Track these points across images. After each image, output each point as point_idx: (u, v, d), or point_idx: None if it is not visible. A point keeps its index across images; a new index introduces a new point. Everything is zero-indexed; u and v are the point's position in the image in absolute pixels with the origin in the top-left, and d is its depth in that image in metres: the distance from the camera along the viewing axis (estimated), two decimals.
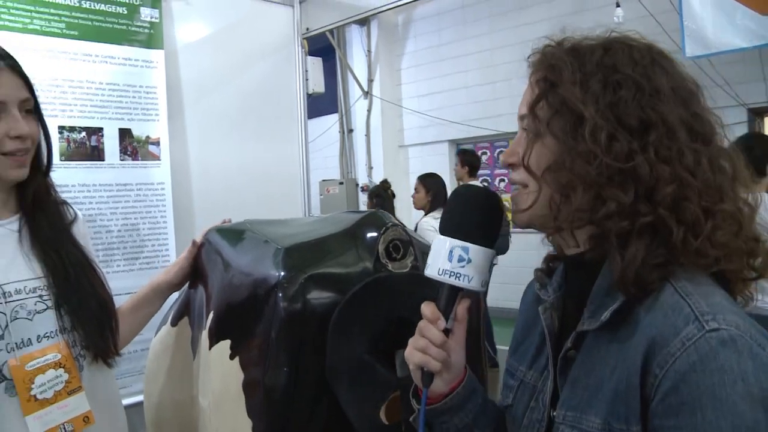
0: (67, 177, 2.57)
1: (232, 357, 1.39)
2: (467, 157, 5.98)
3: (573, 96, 0.85)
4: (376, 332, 1.34)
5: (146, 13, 2.87)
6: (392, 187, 6.01)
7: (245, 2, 3.30)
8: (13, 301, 1.28)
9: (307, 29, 3.58)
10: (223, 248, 1.61)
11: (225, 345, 1.42)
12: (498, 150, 8.08)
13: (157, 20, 2.91)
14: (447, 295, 0.96)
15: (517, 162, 0.93)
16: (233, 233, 1.64)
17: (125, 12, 2.81)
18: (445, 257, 0.93)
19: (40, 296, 1.32)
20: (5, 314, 1.26)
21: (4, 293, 1.27)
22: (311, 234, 1.49)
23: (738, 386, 0.71)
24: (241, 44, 3.26)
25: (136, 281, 2.54)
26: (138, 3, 2.85)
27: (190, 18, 3.08)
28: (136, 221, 2.79)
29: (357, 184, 8.77)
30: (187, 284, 1.68)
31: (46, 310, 1.33)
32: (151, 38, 2.89)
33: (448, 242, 0.94)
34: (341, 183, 8.60)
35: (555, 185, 0.87)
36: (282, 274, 1.33)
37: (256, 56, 3.36)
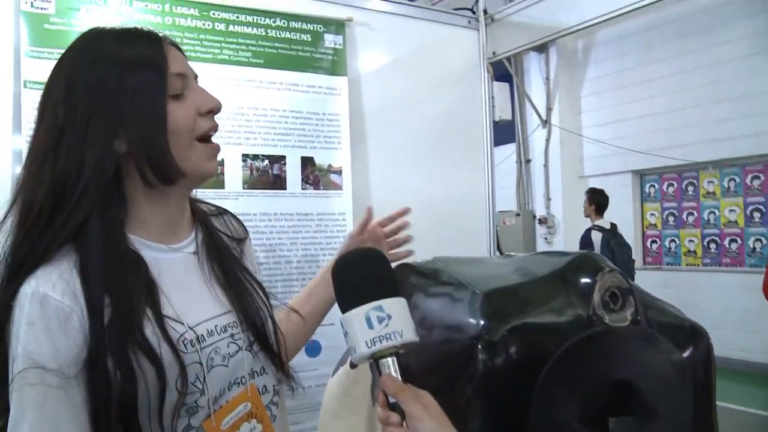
0: (249, 205, 2.55)
1: None
2: (596, 196, 6.07)
3: None
4: (588, 396, 1.14)
5: (330, 40, 2.83)
6: (571, 221, 5.76)
7: (429, 27, 3.18)
8: (207, 346, 1.00)
9: (494, 53, 3.41)
10: (411, 289, 1.45)
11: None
12: (686, 181, 7.47)
13: (341, 47, 2.86)
14: (392, 366, 0.88)
15: None
16: (425, 272, 1.49)
17: (309, 39, 2.78)
18: (365, 327, 0.86)
19: (232, 336, 1.04)
20: (202, 364, 0.98)
21: (198, 338, 0.98)
22: (512, 276, 1.29)
23: None
24: (424, 70, 3.14)
25: None
26: (322, 30, 2.82)
27: (373, 44, 3.01)
28: (315, 252, 2.71)
29: (534, 216, 8.48)
30: None
31: (238, 351, 1.04)
32: (335, 65, 2.84)
33: (359, 311, 0.87)
34: (518, 214, 8.36)
35: None
36: (482, 323, 1.14)
37: (441, 82, 3.22)
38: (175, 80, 0.98)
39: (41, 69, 2.25)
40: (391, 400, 0.87)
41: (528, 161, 8.90)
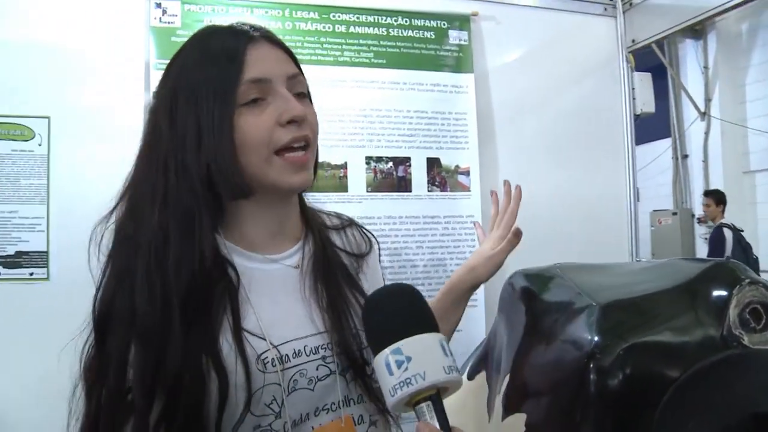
0: (373, 208, 2.53)
1: None
2: (720, 197, 6.29)
3: None
4: (721, 429, 0.96)
5: (455, 36, 2.75)
6: (734, 219, 5.54)
7: (560, 16, 3.02)
8: (292, 367, 0.92)
9: (633, 41, 3.17)
10: (527, 297, 1.34)
11: (519, 420, 1.14)
12: None
13: (466, 43, 2.77)
14: (427, 412, 0.77)
15: None
16: (541, 279, 1.37)
17: (433, 37, 2.72)
18: (387, 375, 0.77)
19: (323, 358, 0.96)
20: (280, 385, 0.90)
21: (281, 357, 0.91)
22: (636, 287, 1.14)
23: None
24: (556, 62, 2.99)
25: None
26: (446, 26, 2.74)
27: (500, 38, 2.90)
28: (443, 256, 2.64)
29: (693, 215, 7.92)
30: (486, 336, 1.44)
31: (329, 375, 0.96)
32: (460, 62, 2.76)
33: (379, 358, 0.79)
34: (674, 213, 7.85)
35: None
36: (596, 339, 1.01)
37: (575, 75, 3.05)
38: (251, 87, 0.91)
39: None
40: None
41: (685, 156, 8.32)
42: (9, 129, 2.28)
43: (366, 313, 0.88)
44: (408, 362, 0.76)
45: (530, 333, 1.22)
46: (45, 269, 2.30)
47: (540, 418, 1.09)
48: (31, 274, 2.29)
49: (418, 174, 2.66)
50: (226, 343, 0.87)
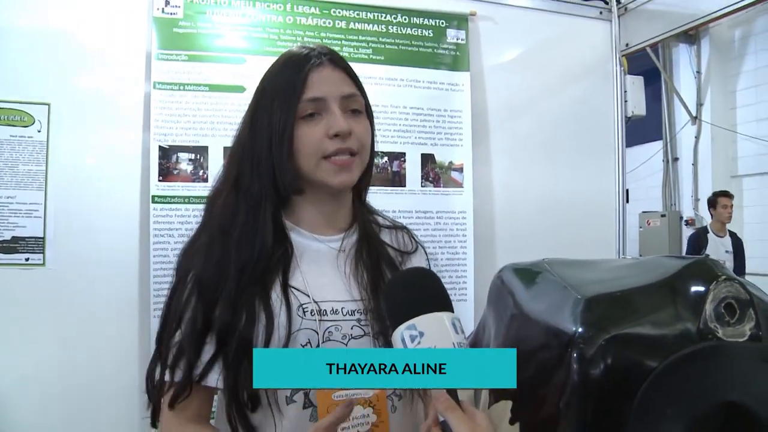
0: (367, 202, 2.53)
1: (512, 422, 1.15)
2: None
3: None
4: (694, 417, 1.00)
5: (452, 35, 2.78)
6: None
7: (557, 19, 3.05)
8: (328, 320, 1.13)
9: (627, 45, 3.21)
10: (515, 290, 1.37)
11: (505, 406, 1.18)
12: None
13: (464, 42, 2.80)
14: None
15: None
16: (529, 273, 1.40)
17: (431, 35, 2.75)
18: (402, 348, 0.84)
19: (358, 320, 1.15)
20: (317, 333, 1.11)
21: (319, 311, 1.12)
22: (619, 282, 1.18)
23: None
24: (551, 63, 3.02)
25: None
26: (444, 25, 2.77)
27: (497, 38, 2.93)
28: (434, 250, 2.68)
29: (681, 217, 7.97)
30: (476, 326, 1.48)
31: (363, 336, 1.15)
32: (457, 60, 2.79)
33: (396, 333, 0.86)
34: (663, 216, 7.88)
35: None
36: (580, 330, 1.05)
37: (569, 76, 3.09)
38: (308, 104, 1.10)
39: (169, 71, 2.37)
40: (441, 418, 0.83)
41: (675, 159, 8.35)
42: (9, 114, 2.30)
43: (387, 292, 0.97)
44: (420, 337, 0.83)
45: (517, 325, 1.26)
46: (41, 255, 2.31)
47: (526, 402, 1.13)
48: (27, 259, 2.31)
49: (413, 169, 2.70)
50: (275, 294, 1.09)
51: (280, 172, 1.12)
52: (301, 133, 1.11)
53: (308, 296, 1.12)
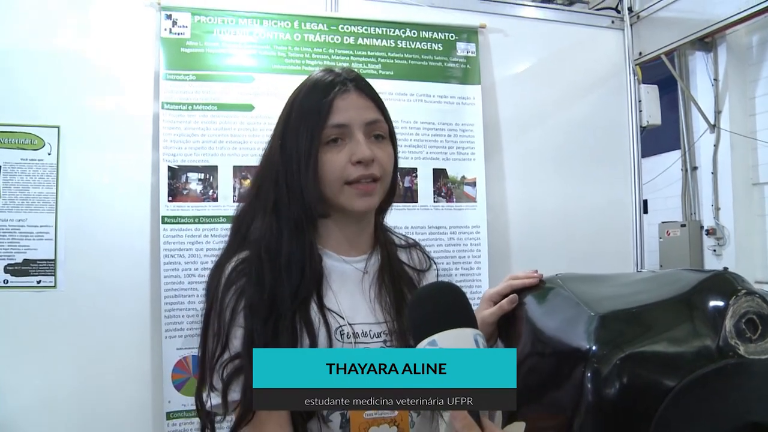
0: None
1: None
2: None
3: None
4: None
5: (462, 48, 2.76)
6: (742, 231, 5.31)
7: (568, 29, 3.02)
8: (361, 342, 1.17)
9: (640, 54, 3.17)
10: (529, 306, 1.34)
11: (519, 428, 1.14)
12: None
13: (474, 55, 2.78)
14: None
15: None
16: (542, 289, 1.37)
17: (441, 48, 2.73)
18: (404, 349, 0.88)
19: (384, 342, 1.19)
20: None
21: (354, 333, 1.16)
22: (635, 298, 1.14)
23: None
24: (564, 75, 2.99)
25: None
26: (454, 38, 2.76)
27: (508, 50, 2.90)
28: (448, 266, 2.65)
29: (701, 227, 7.86)
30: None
31: None
32: (467, 73, 2.76)
33: (418, 348, 0.85)
34: (683, 225, 7.78)
35: None
36: (594, 348, 1.01)
37: (582, 87, 3.05)
38: (332, 130, 1.13)
39: (177, 91, 2.37)
40: None
41: (695, 168, 8.26)
42: (19, 138, 2.30)
43: (410, 308, 0.96)
44: None
45: (530, 342, 1.23)
46: (52, 277, 2.31)
47: (539, 425, 1.10)
48: (39, 282, 2.30)
49: (425, 185, 2.67)
50: (314, 315, 1.11)
51: (307, 195, 1.14)
52: (325, 158, 1.13)
53: (343, 318, 1.15)
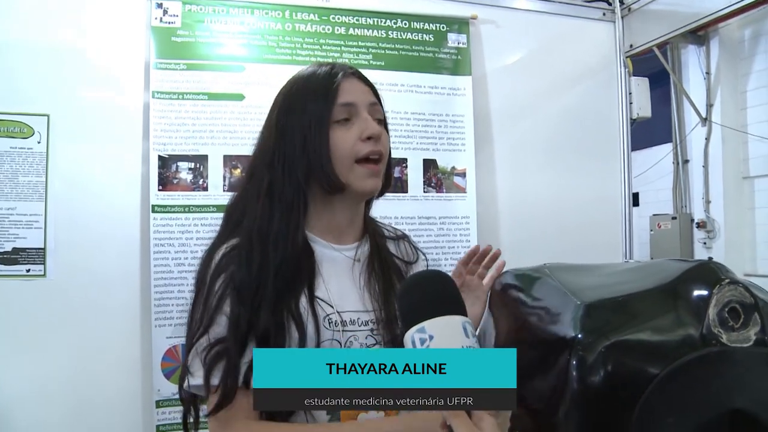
0: None
1: (511, 431, 1.12)
2: None
3: None
4: (698, 425, 0.97)
5: (453, 39, 2.76)
6: (732, 224, 5.33)
7: (560, 21, 3.02)
8: (348, 330, 1.19)
9: (631, 46, 3.18)
10: (516, 295, 1.35)
11: (505, 414, 1.16)
12: None
13: (465, 46, 2.78)
14: None
15: None
16: (530, 279, 1.37)
17: (432, 39, 2.73)
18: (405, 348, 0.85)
19: (372, 330, 1.22)
20: (340, 343, 1.18)
21: (342, 321, 1.18)
22: (620, 287, 1.15)
23: None
24: (554, 66, 2.99)
25: None
26: (445, 29, 2.75)
27: (499, 41, 2.91)
28: (437, 256, 2.65)
29: (692, 220, 7.90)
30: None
31: (375, 345, 1.21)
32: (458, 64, 2.76)
33: (406, 337, 0.84)
34: (674, 218, 7.81)
35: None
36: (579, 336, 1.02)
37: (572, 79, 3.05)
38: (341, 109, 1.17)
39: (168, 80, 2.37)
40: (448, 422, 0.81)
41: (686, 162, 8.29)
42: (8, 126, 2.29)
43: (400, 295, 0.96)
44: (430, 340, 0.83)
45: (517, 331, 1.24)
46: (42, 266, 2.31)
47: (526, 411, 1.11)
48: (28, 270, 2.30)
49: (415, 175, 2.68)
50: (302, 304, 1.13)
51: (323, 174, 1.16)
52: (335, 136, 1.16)
53: (332, 307, 1.17)
